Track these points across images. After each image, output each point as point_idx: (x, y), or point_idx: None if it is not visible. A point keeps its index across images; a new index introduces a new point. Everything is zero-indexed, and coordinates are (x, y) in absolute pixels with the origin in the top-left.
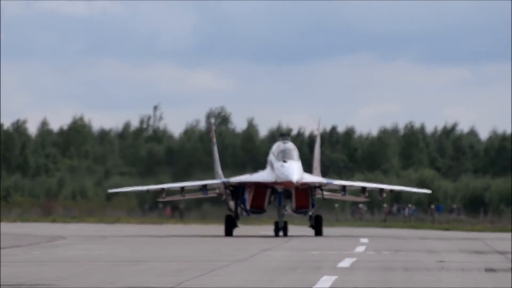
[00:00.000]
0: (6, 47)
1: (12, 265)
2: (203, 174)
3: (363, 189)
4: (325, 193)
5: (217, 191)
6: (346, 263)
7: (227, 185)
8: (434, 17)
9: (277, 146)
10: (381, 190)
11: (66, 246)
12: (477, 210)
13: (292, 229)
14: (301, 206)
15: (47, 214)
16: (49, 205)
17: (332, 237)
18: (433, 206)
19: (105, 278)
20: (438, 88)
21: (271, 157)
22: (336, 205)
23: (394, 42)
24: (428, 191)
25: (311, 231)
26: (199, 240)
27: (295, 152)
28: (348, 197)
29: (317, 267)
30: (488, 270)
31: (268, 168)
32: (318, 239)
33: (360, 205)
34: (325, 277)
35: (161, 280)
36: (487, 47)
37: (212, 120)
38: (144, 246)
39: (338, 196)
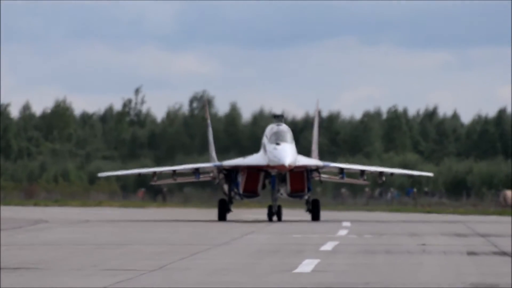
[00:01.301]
0: None
1: None
2: (186, 157)
3: (362, 172)
4: (323, 176)
5: (211, 174)
6: (328, 246)
7: (220, 169)
8: (418, 1)
9: (271, 128)
10: (381, 173)
11: (48, 229)
12: (459, 193)
13: (289, 213)
14: (296, 190)
15: (29, 197)
16: (31, 188)
17: (308, 220)
18: (415, 190)
19: (88, 261)
20: (422, 72)
21: (264, 139)
22: (318, 189)
23: (377, 26)
24: (430, 174)
25: (308, 216)
26: (182, 223)
27: (288, 135)
28: (347, 180)
29: (299, 251)
30: (470, 253)
31: (261, 151)
32: (301, 223)
33: (343, 190)
34: (307, 260)
35: (143, 263)
36: (471, 31)
37: (207, 100)
38: (127, 230)
39: (336, 179)
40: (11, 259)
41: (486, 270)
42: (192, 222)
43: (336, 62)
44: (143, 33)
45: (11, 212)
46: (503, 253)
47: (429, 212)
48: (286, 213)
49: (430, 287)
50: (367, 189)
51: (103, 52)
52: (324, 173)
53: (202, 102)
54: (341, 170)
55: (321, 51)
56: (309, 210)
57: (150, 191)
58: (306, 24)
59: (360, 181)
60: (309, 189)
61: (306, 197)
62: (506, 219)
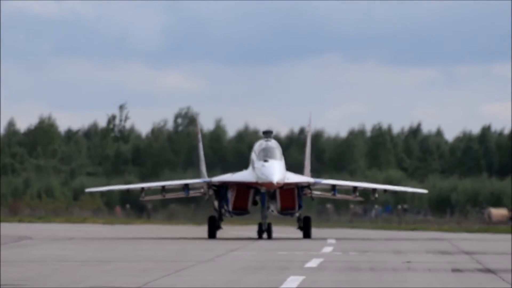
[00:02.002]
0: None
1: None
2: (171, 173)
3: (354, 188)
4: (315, 192)
5: (202, 190)
6: (313, 263)
7: (210, 185)
8: (402, 18)
9: (259, 144)
10: (374, 190)
11: (33, 246)
12: (444, 210)
13: (280, 230)
14: (286, 207)
15: (14, 214)
16: (15, 205)
17: (299, 238)
18: (399, 207)
19: (72, 278)
20: (406, 89)
21: (253, 155)
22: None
23: (362, 43)
24: (425, 191)
25: (299, 233)
26: (166, 240)
27: (277, 151)
28: (339, 196)
29: (284, 267)
30: (455, 270)
31: (250, 168)
32: (287, 240)
33: (328, 205)
34: (292, 277)
35: (127, 280)
36: (455, 48)
37: (198, 115)
38: (111, 246)
39: (328, 195)
40: None
41: (470, 287)
42: (177, 239)
43: (321, 79)
44: (128, 49)
45: None
46: (488, 270)
47: (413, 229)
48: (278, 230)
49: None
50: (352, 206)
51: (88, 69)
52: (316, 189)
53: (188, 118)
54: (333, 187)
55: (305, 68)
56: (300, 228)
57: (134, 208)
58: (291, 41)
59: (353, 198)
60: (300, 206)
61: (297, 214)
62: (490, 236)
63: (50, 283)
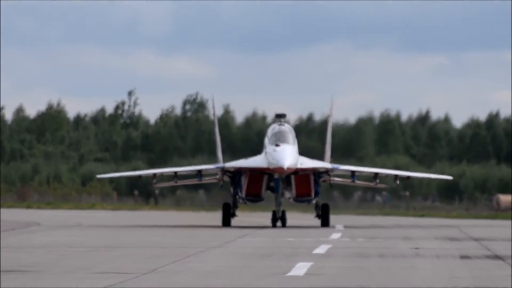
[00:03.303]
0: None
1: None
2: (180, 159)
3: (375, 175)
4: (336, 179)
5: (217, 176)
6: (321, 249)
7: (224, 171)
8: (412, 5)
9: (272, 128)
10: (396, 176)
11: (41, 232)
12: (452, 197)
13: (297, 218)
14: (302, 194)
15: (22, 199)
16: (23, 190)
17: (316, 226)
18: (407, 193)
19: (81, 264)
20: (415, 75)
21: (266, 140)
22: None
23: (371, 30)
24: (449, 177)
25: (317, 221)
26: (175, 226)
27: (290, 135)
28: (359, 183)
29: (292, 254)
30: (463, 257)
31: (263, 152)
32: (300, 228)
33: (334, 192)
34: (300, 264)
35: (136, 266)
36: (464, 35)
37: (213, 98)
38: (119, 232)
39: (348, 182)
40: (4, 261)
41: (479, 274)
42: (185, 223)
43: (330, 66)
44: (137, 35)
45: (3, 214)
46: (496, 257)
47: (422, 216)
48: (295, 217)
49: None
50: (359, 192)
51: (97, 55)
52: (335, 176)
53: (196, 104)
54: (353, 173)
55: (315, 55)
56: (318, 216)
57: (142, 194)
58: (300, 28)
59: (373, 184)
60: (317, 193)
61: (314, 201)
62: (499, 223)
63: (58, 269)
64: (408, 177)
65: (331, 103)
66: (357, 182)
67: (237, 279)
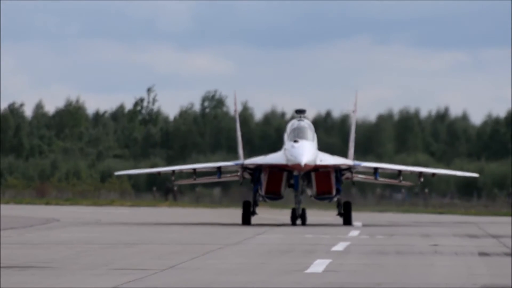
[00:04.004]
0: (3, 29)
1: (6, 247)
2: (199, 156)
3: (399, 172)
4: (360, 176)
5: (238, 174)
6: (340, 247)
7: (244, 168)
8: (431, 1)
9: (291, 124)
10: (420, 173)
11: (60, 228)
12: (470, 194)
13: (319, 214)
14: (323, 192)
15: (41, 196)
16: (42, 187)
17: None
18: (427, 190)
19: (99, 260)
20: (434, 72)
21: (285, 136)
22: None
23: (390, 26)
24: (475, 175)
25: (339, 219)
26: (193, 223)
27: (309, 131)
28: (382, 181)
29: (310, 251)
30: (482, 254)
31: (282, 149)
32: (310, 220)
33: (352, 190)
34: (318, 261)
35: (155, 262)
36: (482, 31)
37: (235, 93)
38: (138, 229)
39: (371, 179)
40: (22, 258)
41: (497, 271)
42: (204, 220)
43: (348, 62)
44: (156, 32)
45: (23, 210)
46: None
47: (440, 213)
48: (317, 214)
49: None
50: (378, 189)
51: (116, 51)
52: (358, 173)
53: (215, 100)
54: (375, 170)
55: (333, 51)
56: (340, 214)
57: (161, 190)
58: (318, 24)
59: (396, 182)
60: (338, 191)
61: (335, 199)
62: None
63: (76, 265)
64: (433, 174)
65: (355, 99)
66: (380, 179)
67: (256, 276)
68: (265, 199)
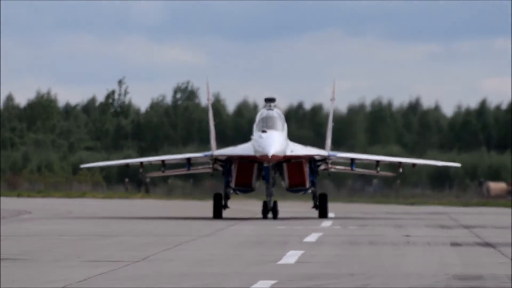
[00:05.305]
0: None
1: None
2: (171, 148)
3: (377, 162)
4: (337, 167)
5: (211, 166)
6: (312, 237)
7: (215, 160)
8: None
9: (260, 113)
10: (400, 163)
11: (32, 220)
12: (442, 185)
13: (292, 207)
14: (295, 184)
15: (13, 188)
16: (14, 179)
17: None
18: (398, 182)
19: (72, 252)
20: (406, 63)
21: (254, 126)
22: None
23: (362, 17)
24: (457, 165)
25: (314, 212)
26: (166, 215)
27: (279, 121)
28: (359, 171)
29: (283, 242)
30: (454, 244)
31: (251, 140)
32: (284, 213)
33: (324, 181)
34: (291, 252)
35: (127, 254)
36: (455, 23)
37: (207, 82)
38: (111, 221)
39: (348, 170)
40: None
41: (470, 261)
42: (176, 213)
43: (321, 54)
44: (128, 23)
45: None
46: (487, 244)
47: (412, 204)
48: (290, 207)
49: (414, 279)
50: (349, 181)
51: (87, 43)
52: (334, 164)
53: (187, 92)
54: (352, 161)
55: (306, 42)
56: (315, 206)
57: (133, 182)
58: (291, 16)
59: (374, 172)
60: (313, 183)
61: (310, 191)
62: (489, 210)
63: (49, 257)
64: (414, 165)
65: (333, 87)
66: (357, 170)
67: (229, 267)
68: (236, 192)
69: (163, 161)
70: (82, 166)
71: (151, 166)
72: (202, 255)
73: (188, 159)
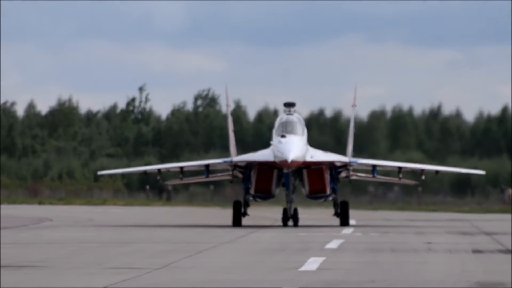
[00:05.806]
0: None
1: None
2: (191, 155)
3: (399, 169)
4: (358, 174)
5: (230, 173)
6: (333, 244)
7: (234, 166)
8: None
9: (280, 118)
10: (422, 170)
11: (53, 228)
12: (464, 191)
13: (313, 214)
14: (315, 190)
15: (34, 195)
16: (35, 186)
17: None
18: (420, 189)
19: (92, 259)
20: (427, 69)
21: (273, 131)
22: None
23: (383, 23)
24: (482, 172)
25: (335, 220)
26: (187, 222)
27: (298, 126)
28: (382, 179)
29: (304, 249)
30: (475, 251)
31: (271, 145)
32: (305, 220)
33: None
34: (312, 258)
35: (148, 261)
36: (476, 29)
37: (226, 87)
38: (132, 228)
39: (370, 177)
40: (16, 257)
41: (491, 268)
42: (196, 220)
43: (342, 60)
44: (149, 30)
45: (15, 210)
46: (508, 251)
47: (434, 210)
48: (311, 214)
49: (435, 286)
50: (371, 188)
51: (108, 50)
52: (355, 171)
53: (208, 99)
54: (374, 167)
55: (326, 49)
56: (336, 214)
57: (154, 189)
58: (311, 22)
59: (397, 180)
60: (334, 190)
61: (330, 198)
62: (511, 217)
63: (69, 265)
64: (437, 172)
65: (354, 93)
66: (379, 177)
67: (249, 274)
68: (255, 199)
69: (181, 167)
70: (99, 173)
71: (171, 174)
72: (223, 262)
73: (207, 166)
